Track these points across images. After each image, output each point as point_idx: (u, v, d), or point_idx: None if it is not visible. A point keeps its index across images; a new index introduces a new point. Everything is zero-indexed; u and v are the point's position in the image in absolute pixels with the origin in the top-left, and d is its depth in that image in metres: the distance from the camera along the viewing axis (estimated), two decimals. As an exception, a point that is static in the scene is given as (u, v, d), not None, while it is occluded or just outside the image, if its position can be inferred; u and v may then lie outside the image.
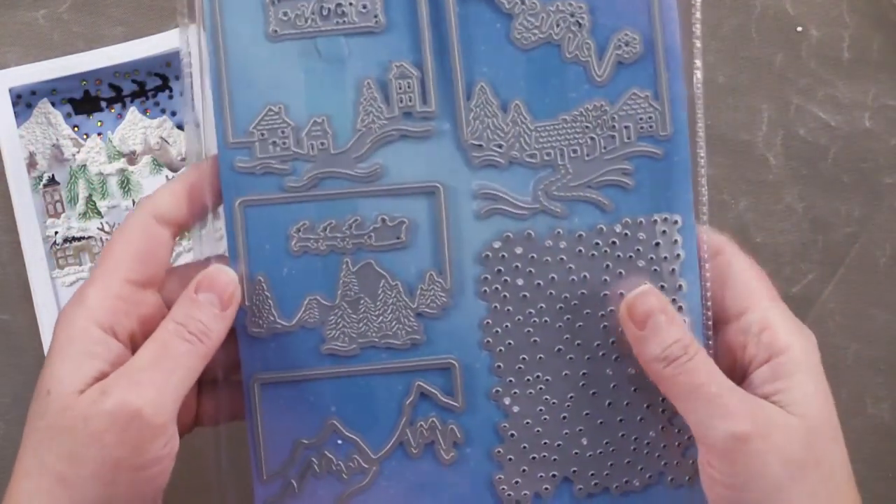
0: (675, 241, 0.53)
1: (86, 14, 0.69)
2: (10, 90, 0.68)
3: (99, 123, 0.69)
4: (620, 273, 0.53)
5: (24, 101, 0.68)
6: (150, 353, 0.49)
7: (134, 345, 0.51)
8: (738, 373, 0.52)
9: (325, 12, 0.52)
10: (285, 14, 0.52)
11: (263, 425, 0.53)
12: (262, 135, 0.52)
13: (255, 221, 0.53)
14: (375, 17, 0.52)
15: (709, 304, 0.53)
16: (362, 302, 0.53)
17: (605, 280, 0.53)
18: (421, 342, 0.53)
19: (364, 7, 0.52)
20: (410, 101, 0.52)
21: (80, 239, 0.68)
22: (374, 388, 0.54)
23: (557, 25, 0.52)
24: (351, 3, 0.52)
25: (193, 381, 0.50)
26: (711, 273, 0.53)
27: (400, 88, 0.52)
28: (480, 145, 0.52)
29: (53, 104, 0.68)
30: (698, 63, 0.53)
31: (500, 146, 0.52)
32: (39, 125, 0.68)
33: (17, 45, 0.69)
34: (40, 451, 0.48)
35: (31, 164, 0.68)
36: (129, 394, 0.47)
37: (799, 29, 0.69)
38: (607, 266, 0.53)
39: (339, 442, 0.54)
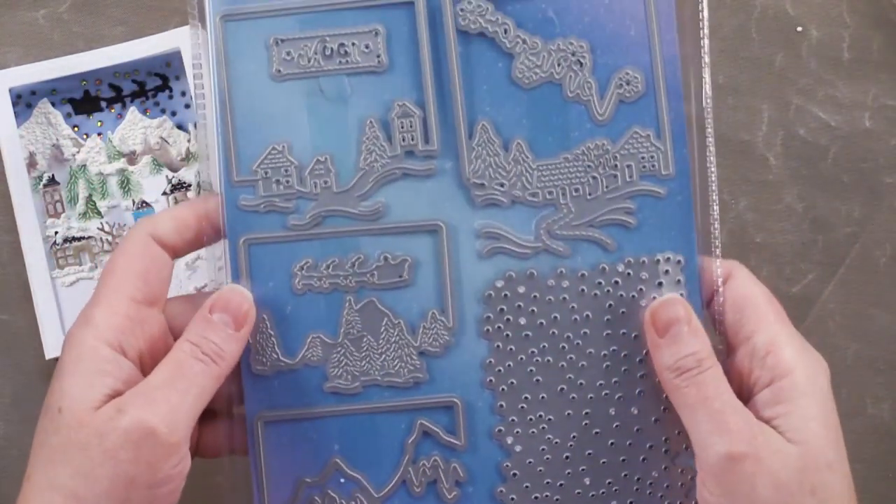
0: (679, 280, 0.54)
1: (86, 14, 0.71)
2: (10, 90, 0.69)
3: (99, 123, 0.70)
4: (623, 312, 0.54)
5: (24, 101, 0.70)
6: (165, 373, 0.51)
7: (142, 363, 0.52)
8: (744, 396, 0.53)
9: (328, 52, 0.54)
10: (289, 54, 0.54)
11: (266, 463, 0.55)
12: (266, 173, 0.54)
13: (258, 259, 0.54)
14: (378, 57, 0.54)
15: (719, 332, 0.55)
16: (365, 340, 0.55)
17: (608, 320, 0.54)
18: (423, 381, 0.55)
19: (367, 47, 0.54)
20: (413, 139, 0.54)
21: (80, 239, 0.70)
22: (377, 426, 0.55)
23: (559, 65, 0.54)
24: (354, 44, 0.54)
25: (207, 402, 0.52)
26: (723, 298, 0.54)
27: (402, 127, 0.54)
28: (482, 184, 0.54)
29: (53, 104, 0.70)
30: (707, 78, 0.54)
31: (501, 185, 0.54)
32: (39, 125, 0.70)
33: (17, 45, 0.70)
34: (51, 468, 0.49)
35: (31, 164, 0.69)
36: (145, 412, 0.49)
37: (799, 29, 0.70)
38: (610, 305, 0.54)
39: (342, 480, 0.55)
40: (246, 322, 0.53)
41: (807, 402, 0.51)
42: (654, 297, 0.54)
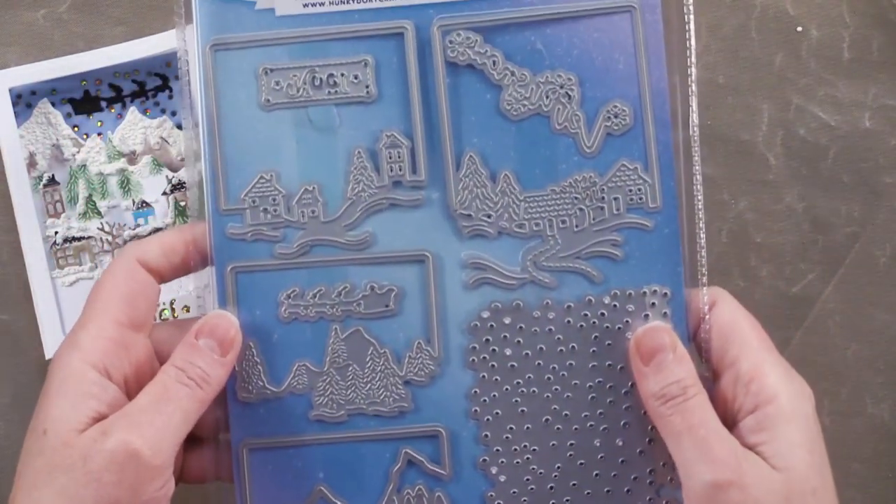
0: (665, 313, 0.57)
1: (86, 14, 0.73)
2: (10, 90, 0.71)
3: (99, 123, 0.72)
4: (609, 344, 0.57)
5: (24, 101, 0.72)
6: (151, 396, 0.53)
7: (127, 387, 0.55)
8: (729, 422, 0.55)
9: (317, 82, 0.57)
10: (278, 84, 0.57)
11: (251, 490, 0.58)
12: (254, 202, 0.57)
13: (245, 287, 0.57)
14: (367, 87, 0.57)
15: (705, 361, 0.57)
16: (350, 369, 0.57)
17: (594, 351, 0.57)
18: (408, 410, 0.58)
19: (356, 77, 0.57)
20: (400, 170, 0.57)
21: (80, 239, 0.71)
22: (362, 454, 0.58)
23: (547, 97, 0.57)
24: (343, 74, 0.57)
25: (191, 426, 0.54)
26: (708, 326, 0.57)
27: (390, 158, 0.57)
28: (469, 215, 0.57)
29: (53, 104, 0.72)
30: (694, 107, 0.57)
31: (488, 216, 0.57)
32: (39, 125, 0.71)
33: (17, 45, 0.72)
34: (35, 490, 0.51)
35: (31, 164, 0.71)
36: (130, 434, 0.51)
37: (799, 29, 0.72)
38: (595, 337, 0.57)
39: None
40: (232, 348, 0.56)
41: (791, 428, 0.53)
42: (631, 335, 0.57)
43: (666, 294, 0.57)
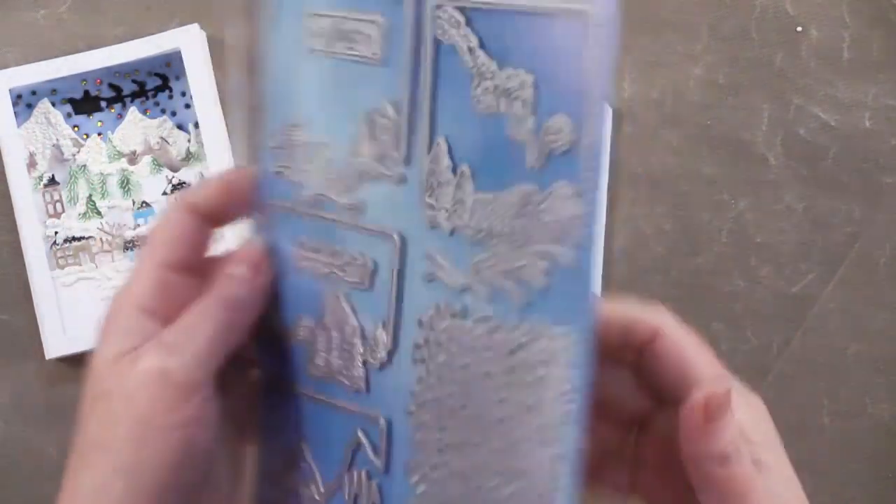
0: (570, 354, 0.60)
1: (86, 14, 0.83)
2: (10, 90, 0.82)
3: (99, 123, 0.82)
4: (516, 374, 0.61)
5: (24, 101, 0.82)
6: (180, 325, 0.65)
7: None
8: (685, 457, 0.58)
9: (339, 35, 0.64)
10: (313, 30, 0.65)
11: (263, 427, 0.70)
12: (281, 146, 0.66)
13: (272, 227, 0.67)
14: (374, 50, 0.63)
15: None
16: (334, 333, 0.66)
17: (505, 382, 0.61)
18: (362, 390, 0.64)
19: (370, 37, 0.63)
20: (389, 143, 0.63)
21: (80, 239, 0.83)
22: (334, 423, 0.66)
23: (506, 97, 0.59)
24: (360, 32, 0.64)
25: (225, 347, 0.66)
26: (653, 357, 0.64)
27: (381, 129, 0.63)
28: (432, 205, 0.61)
29: (53, 104, 0.83)
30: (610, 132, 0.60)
31: (445, 209, 0.61)
32: (39, 125, 0.82)
33: (17, 45, 0.84)
34: (84, 423, 0.63)
35: (31, 164, 0.82)
36: (160, 356, 0.63)
37: (799, 29, 0.78)
38: (511, 368, 0.61)
39: (303, 465, 0.68)
40: (260, 272, 0.66)
41: (770, 457, 0.62)
42: (544, 373, 0.60)
43: (571, 334, 0.59)
